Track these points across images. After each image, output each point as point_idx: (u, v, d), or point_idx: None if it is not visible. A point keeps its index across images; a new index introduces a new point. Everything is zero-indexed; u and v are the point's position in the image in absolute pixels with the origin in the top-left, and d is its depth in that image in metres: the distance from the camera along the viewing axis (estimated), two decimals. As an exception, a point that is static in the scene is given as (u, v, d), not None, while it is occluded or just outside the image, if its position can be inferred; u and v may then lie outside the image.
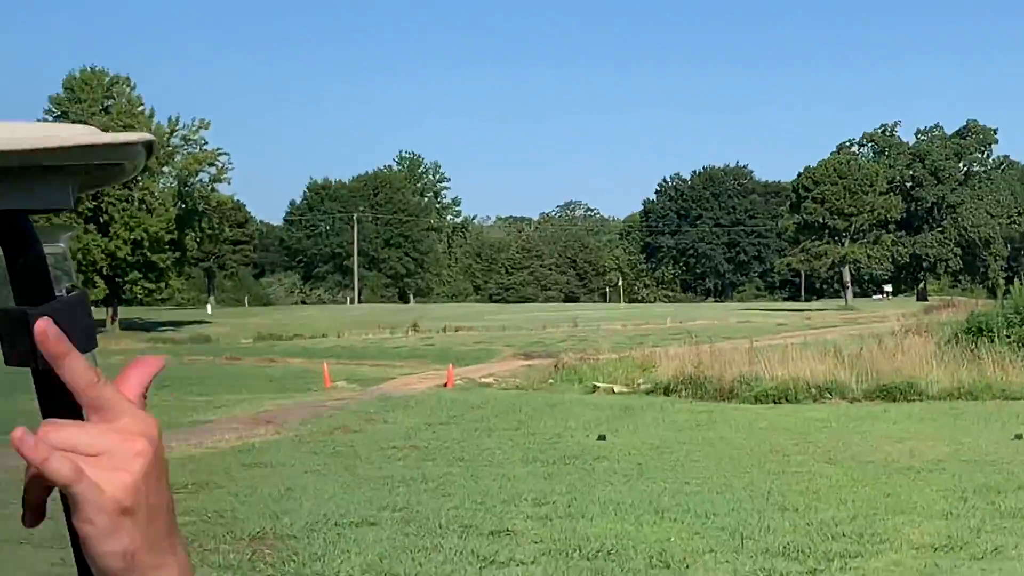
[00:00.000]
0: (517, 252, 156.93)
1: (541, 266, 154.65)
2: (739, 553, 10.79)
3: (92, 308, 1.16)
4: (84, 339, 1.08)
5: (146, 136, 1.19)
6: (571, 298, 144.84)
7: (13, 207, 1.11)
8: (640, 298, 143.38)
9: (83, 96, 72.37)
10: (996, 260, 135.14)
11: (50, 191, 1.15)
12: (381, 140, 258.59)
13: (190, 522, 11.93)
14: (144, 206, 71.10)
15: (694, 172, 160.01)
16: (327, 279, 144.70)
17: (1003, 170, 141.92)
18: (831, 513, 12.89)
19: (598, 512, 12.98)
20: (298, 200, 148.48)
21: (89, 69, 73.94)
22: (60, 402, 1.07)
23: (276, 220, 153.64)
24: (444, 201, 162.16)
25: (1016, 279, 38.44)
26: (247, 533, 11.64)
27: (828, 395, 28.05)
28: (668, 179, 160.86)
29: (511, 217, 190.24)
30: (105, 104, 73.04)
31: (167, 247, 72.38)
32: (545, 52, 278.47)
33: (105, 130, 1.14)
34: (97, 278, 67.90)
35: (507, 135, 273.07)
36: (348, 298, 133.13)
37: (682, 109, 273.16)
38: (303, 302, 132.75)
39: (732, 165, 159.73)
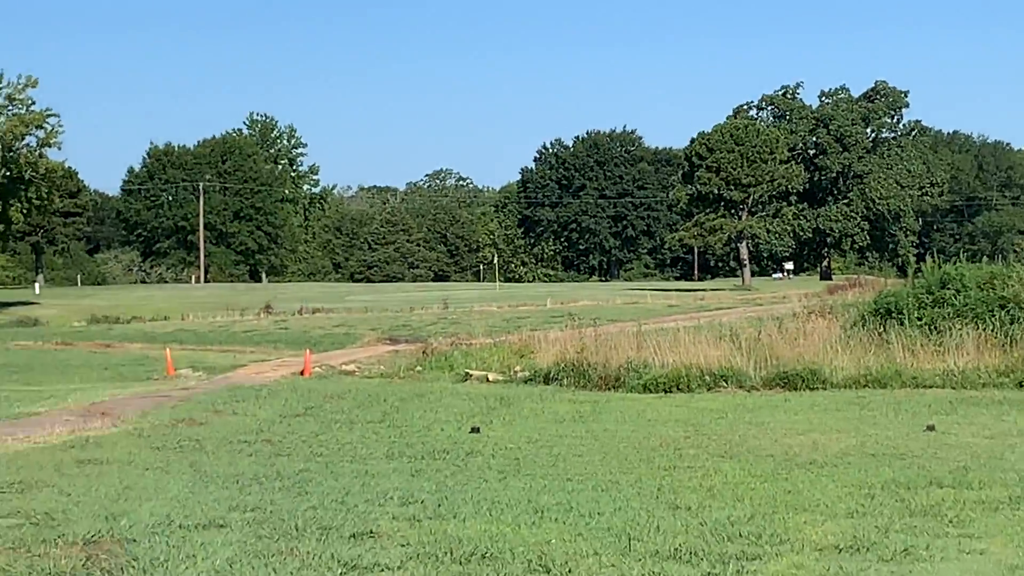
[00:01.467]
0: (381, 226, 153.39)
1: (408, 241, 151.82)
2: (626, 556, 10.24)
3: None
4: None
5: None
6: (441, 277, 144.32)
7: None
8: (517, 277, 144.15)
9: None
10: (906, 235, 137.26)
11: None
12: (229, 101, 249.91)
13: (16, 525, 11.47)
14: None
15: (577, 138, 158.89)
16: (170, 255, 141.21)
17: (914, 137, 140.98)
18: (727, 512, 12.50)
19: (471, 512, 12.43)
20: (137, 167, 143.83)
21: None
22: None
23: (113, 190, 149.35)
24: (300, 169, 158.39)
25: (928, 256, 38.95)
26: (80, 537, 10.82)
27: (723, 383, 27.84)
28: (548, 145, 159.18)
29: (375, 187, 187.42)
30: None
31: None
32: (414, 7, 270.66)
33: None
34: None
35: (370, 96, 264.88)
36: (193, 277, 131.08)
37: (564, 69, 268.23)
38: (143, 281, 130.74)
39: (619, 130, 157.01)
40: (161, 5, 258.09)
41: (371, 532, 11.08)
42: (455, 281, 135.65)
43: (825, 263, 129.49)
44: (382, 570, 9.57)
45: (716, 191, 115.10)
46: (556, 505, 12.70)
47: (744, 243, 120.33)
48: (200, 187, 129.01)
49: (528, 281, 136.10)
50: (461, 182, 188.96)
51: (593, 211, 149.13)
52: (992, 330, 27.99)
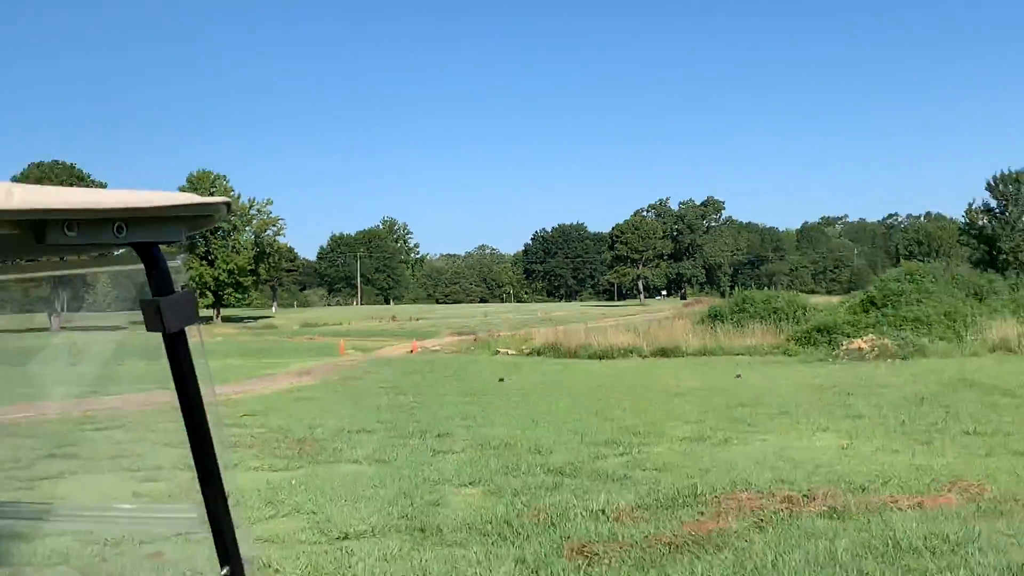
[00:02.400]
0: (451, 275, 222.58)
1: (465, 282, 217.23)
2: (580, 444, 14.60)
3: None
4: (188, 316, 1.85)
5: (224, 199, 1.99)
6: (483, 300, 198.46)
7: (149, 240, 1.84)
8: (522, 300, 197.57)
9: (198, 186, 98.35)
10: (724, 276, 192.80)
11: (170, 231, 1.89)
12: (370, 206, 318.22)
13: (261, 432, 17.03)
14: (235, 250, 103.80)
15: (553, 227, 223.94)
16: (342, 291, 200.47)
17: (727, 225, 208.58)
18: (632, 421, 17.45)
19: (499, 422, 17.68)
20: (325, 244, 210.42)
21: (201, 171, 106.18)
22: (181, 357, 1.90)
23: (311, 255, 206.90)
24: (410, 244, 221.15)
25: (736, 287, 51.84)
26: (296, 437, 16.00)
27: (630, 354, 38.99)
28: (538, 231, 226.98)
29: (447, 254, 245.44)
30: (211, 191, 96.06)
31: (248, 274, 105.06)
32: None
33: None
34: (207, 292, 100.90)
35: (446, 194, 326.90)
36: (355, 302, 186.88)
37: (545, 179, 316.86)
38: (328, 305, 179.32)
39: (574, 223, 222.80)
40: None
41: (448, 433, 16.09)
42: (490, 303, 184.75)
43: (683, 291, 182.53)
44: (453, 453, 13.94)
45: (626, 254, 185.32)
46: (544, 419, 17.90)
47: (640, 281, 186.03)
48: (357, 256, 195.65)
49: (529, 302, 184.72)
50: (493, 250, 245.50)
51: (562, 266, 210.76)
52: (768, 324, 41.35)
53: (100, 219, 1.80)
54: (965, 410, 17.54)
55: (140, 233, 1.87)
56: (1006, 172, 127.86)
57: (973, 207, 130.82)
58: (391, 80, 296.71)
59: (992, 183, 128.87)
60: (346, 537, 8.98)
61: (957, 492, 10.06)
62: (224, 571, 2.18)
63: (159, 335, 1.92)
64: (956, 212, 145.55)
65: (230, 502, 2.18)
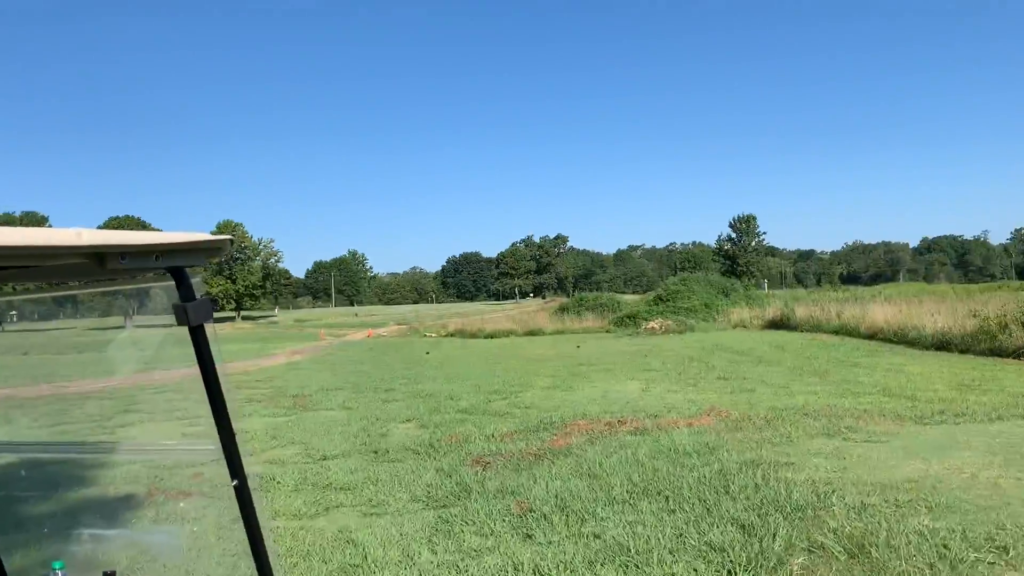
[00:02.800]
0: (395, 285, 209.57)
1: (404, 290, 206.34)
2: (478, 393, 14.37)
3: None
4: (206, 315, 1.82)
5: (228, 237, 1.95)
6: (415, 302, 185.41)
7: (179, 264, 1.84)
8: (441, 302, 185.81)
9: (224, 230, 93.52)
10: (570, 283, 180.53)
11: (193, 258, 1.87)
12: (339, 238, 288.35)
13: (270, 390, 16.58)
14: (249, 272, 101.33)
15: (460, 253, 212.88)
16: (322, 298, 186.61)
17: (570, 251, 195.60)
18: (512, 377, 17.15)
19: (427, 381, 17.32)
20: (310, 267, 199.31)
21: (227, 220, 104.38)
22: (202, 344, 1.89)
23: (301, 274, 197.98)
24: (366, 267, 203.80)
25: (576, 291, 50.63)
26: (291, 394, 15.48)
27: (510, 335, 38.76)
28: (451, 256, 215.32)
29: (392, 272, 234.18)
30: (233, 233, 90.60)
31: (259, 288, 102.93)
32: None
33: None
34: (232, 300, 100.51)
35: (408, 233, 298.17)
36: (330, 305, 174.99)
37: (456, 218, 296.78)
38: (313, 307, 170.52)
39: (473, 251, 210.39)
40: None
41: (392, 388, 15.69)
42: (420, 304, 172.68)
43: (544, 294, 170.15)
44: (395, 401, 13.62)
45: (508, 273, 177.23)
46: (455, 377, 17.71)
47: (516, 288, 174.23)
48: (332, 275, 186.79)
49: (446, 303, 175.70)
50: (422, 268, 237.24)
51: (466, 279, 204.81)
52: (597, 314, 42.10)
53: (145, 251, 1.82)
54: (718, 364, 17.97)
55: (172, 260, 1.88)
56: (740, 215, 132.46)
57: (721, 237, 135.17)
58: (335, 145, 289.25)
59: (733, 221, 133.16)
60: (325, 458, 8.82)
61: (713, 416, 10.25)
62: (234, 482, 2.21)
63: (186, 329, 1.93)
64: (711, 240, 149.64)
65: (237, 439, 2.21)
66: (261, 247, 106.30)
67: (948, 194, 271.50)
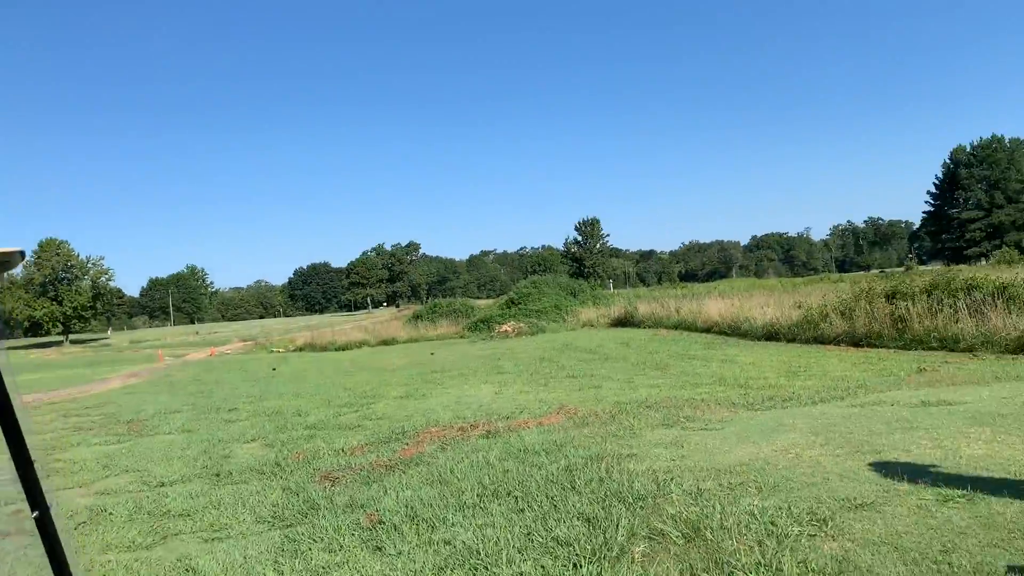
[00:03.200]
0: (239, 300, 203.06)
1: (248, 304, 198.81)
2: (328, 407, 13.93)
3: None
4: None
5: (19, 249, 1.80)
6: (261, 317, 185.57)
7: None
8: (290, 315, 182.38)
9: (47, 249, 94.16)
10: (423, 290, 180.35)
11: None
12: (179, 252, 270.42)
13: (101, 417, 15.36)
14: (77, 292, 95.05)
15: (308, 265, 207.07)
16: (159, 317, 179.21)
17: (423, 258, 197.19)
18: (364, 389, 16.74)
19: (273, 398, 16.57)
20: (145, 284, 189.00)
21: (48, 238, 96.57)
22: None
23: (136, 293, 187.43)
24: (206, 282, 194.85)
25: (430, 298, 51.04)
26: (124, 420, 14.45)
27: (363, 345, 38.10)
28: (298, 268, 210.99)
29: (235, 287, 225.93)
30: (56, 253, 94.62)
31: (88, 309, 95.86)
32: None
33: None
34: (58, 323, 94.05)
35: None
36: (169, 324, 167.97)
37: (301, 229, 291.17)
38: (150, 327, 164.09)
39: (322, 261, 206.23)
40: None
41: (235, 408, 14.95)
42: (267, 319, 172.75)
43: (397, 302, 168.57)
44: (239, 421, 13.05)
45: (359, 281, 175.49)
46: (303, 392, 16.85)
47: (368, 297, 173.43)
48: (170, 292, 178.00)
49: (294, 316, 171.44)
50: (267, 281, 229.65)
51: (315, 291, 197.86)
52: (451, 320, 42.74)
53: None
54: (567, 363, 18.40)
55: None
56: (585, 218, 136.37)
57: (568, 240, 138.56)
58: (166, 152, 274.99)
59: (578, 225, 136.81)
60: (162, 485, 8.35)
61: (562, 414, 10.47)
62: (35, 514, 2.07)
63: None
64: (558, 243, 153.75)
65: (37, 467, 2.03)
66: (90, 265, 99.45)
67: (774, 194, 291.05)
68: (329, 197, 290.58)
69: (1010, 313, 15.30)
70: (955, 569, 3.79)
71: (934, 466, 5.61)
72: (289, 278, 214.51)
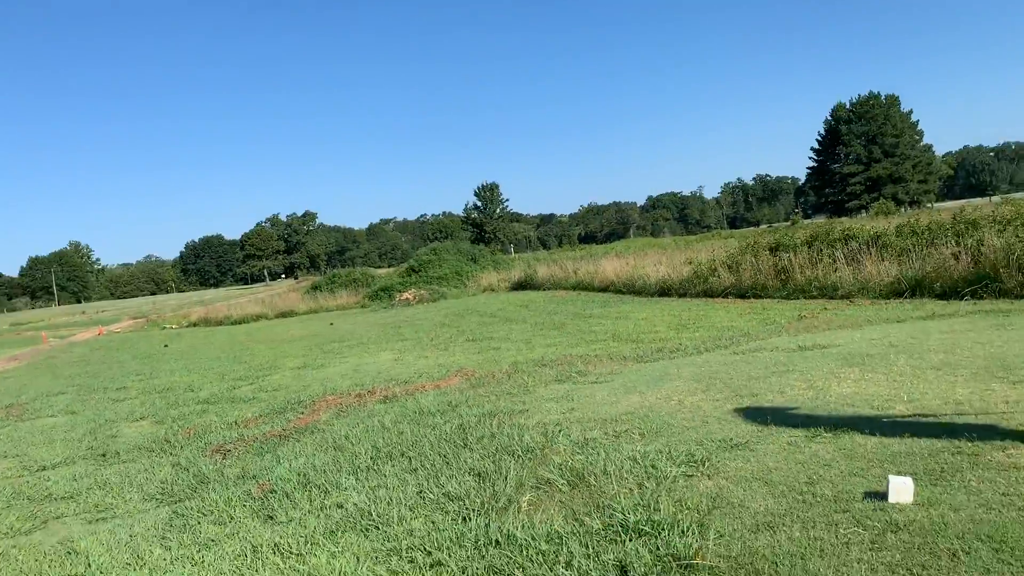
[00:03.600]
0: (128, 277, 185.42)
1: (139, 281, 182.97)
2: (222, 381, 13.60)
3: None
4: None
5: None
6: (153, 294, 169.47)
7: None
8: (183, 291, 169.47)
9: None
10: (323, 261, 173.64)
11: None
12: (60, 230, 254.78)
13: None
14: None
15: (200, 238, 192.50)
16: (42, 297, 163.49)
17: (320, 228, 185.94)
18: (260, 361, 16.38)
19: (164, 374, 15.91)
20: (24, 264, 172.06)
21: None
22: None
23: (15, 273, 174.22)
24: (92, 259, 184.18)
25: (329, 268, 50.40)
26: (4, 405, 13.57)
27: (260, 318, 36.78)
28: (189, 241, 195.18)
29: (123, 263, 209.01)
30: None
31: None
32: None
33: None
34: None
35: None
36: (53, 304, 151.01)
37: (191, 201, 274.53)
38: (32, 308, 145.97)
39: (215, 234, 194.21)
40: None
41: (124, 386, 14.41)
42: (159, 295, 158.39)
43: (295, 273, 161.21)
44: (127, 399, 12.55)
45: (253, 252, 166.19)
46: (196, 368, 16.36)
47: (265, 269, 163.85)
48: (52, 270, 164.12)
49: (188, 292, 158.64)
50: (157, 256, 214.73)
51: (209, 264, 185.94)
52: (351, 290, 40.72)
53: None
54: (468, 327, 18.47)
55: None
56: (484, 183, 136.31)
57: (468, 206, 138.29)
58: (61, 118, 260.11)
59: (478, 190, 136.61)
60: (43, 468, 8.01)
61: (460, 376, 10.54)
62: None
63: None
64: (459, 210, 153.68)
65: None
66: None
67: (667, 154, 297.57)
68: (220, 167, 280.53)
69: (883, 260, 16.18)
70: (817, 498, 4.04)
71: (805, 405, 5.94)
72: (181, 252, 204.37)
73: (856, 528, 3.60)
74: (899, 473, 4.16)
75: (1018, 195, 59.93)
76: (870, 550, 3.37)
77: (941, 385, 6.06)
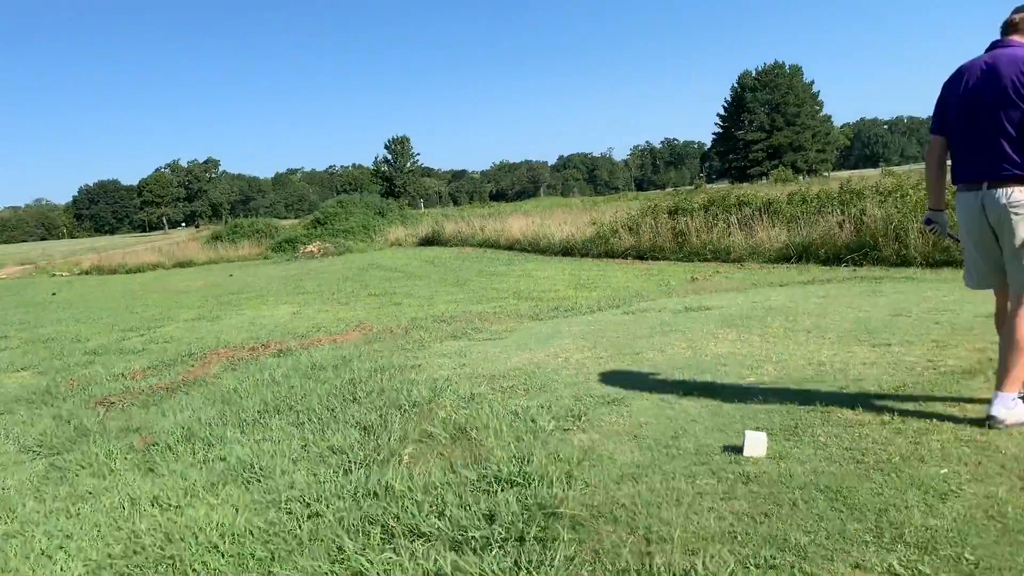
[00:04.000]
0: (16, 221, 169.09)
1: (27, 226, 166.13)
2: (111, 332, 12.84)
3: None
4: None
5: None
6: (43, 239, 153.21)
7: None
8: (76, 237, 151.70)
9: None
10: (226, 210, 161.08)
11: None
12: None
13: None
14: None
15: (95, 182, 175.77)
16: None
17: (223, 176, 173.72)
18: (153, 313, 15.46)
19: (46, 324, 13.82)
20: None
21: None
22: None
23: None
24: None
25: (232, 217, 48.04)
26: None
27: (156, 268, 35.09)
28: (83, 185, 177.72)
29: (10, 206, 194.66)
30: None
31: None
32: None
33: None
34: None
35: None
36: None
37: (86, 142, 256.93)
38: None
39: (111, 179, 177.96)
40: None
41: (5, 336, 13.35)
42: (49, 240, 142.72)
43: (196, 222, 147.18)
44: (8, 349, 11.87)
45: (151, 199, 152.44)
46: (85, 317, 15.44)
47: (164, 217, 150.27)
48: None
49: (81, 238, 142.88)
50: (48, 200, 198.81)
51: (104, 211, 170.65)
52: (253, 241, 39.11)
53: None
54: (372, 282, 18.39)
55: None
56: (395, 136, 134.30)
57: (378, 159, 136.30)
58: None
59: (389, 143, 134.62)
60: (-89, 421, 7.65)
61: (359, 331, 10.53)
62: None
63: None
64: (369, 162, 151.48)
65: None
66: None
67: (578, 115, 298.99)
68: (117, 108, 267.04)
69: (774, 227, 16.86)
70: (680, 451, 4.29)
71: (683, 364, 6.23)
72: (74, 196, 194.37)
73: (711, 480, 3.84)
74: (757, 428, 4.44)
75: (903, 167, 62.99)
76: (721, 499, 3.61)
77: (809, 347, 6.44)
